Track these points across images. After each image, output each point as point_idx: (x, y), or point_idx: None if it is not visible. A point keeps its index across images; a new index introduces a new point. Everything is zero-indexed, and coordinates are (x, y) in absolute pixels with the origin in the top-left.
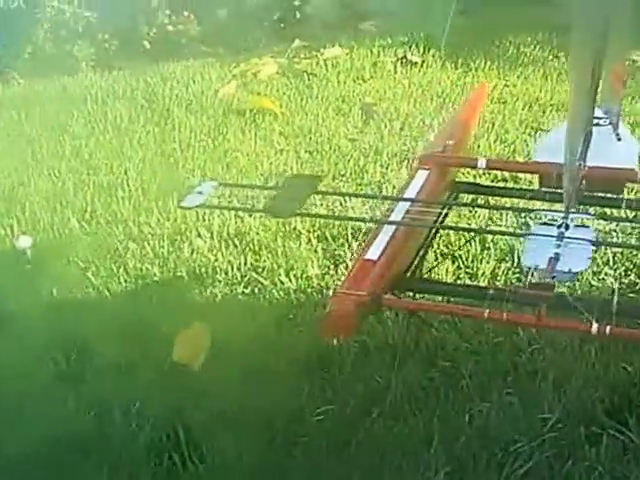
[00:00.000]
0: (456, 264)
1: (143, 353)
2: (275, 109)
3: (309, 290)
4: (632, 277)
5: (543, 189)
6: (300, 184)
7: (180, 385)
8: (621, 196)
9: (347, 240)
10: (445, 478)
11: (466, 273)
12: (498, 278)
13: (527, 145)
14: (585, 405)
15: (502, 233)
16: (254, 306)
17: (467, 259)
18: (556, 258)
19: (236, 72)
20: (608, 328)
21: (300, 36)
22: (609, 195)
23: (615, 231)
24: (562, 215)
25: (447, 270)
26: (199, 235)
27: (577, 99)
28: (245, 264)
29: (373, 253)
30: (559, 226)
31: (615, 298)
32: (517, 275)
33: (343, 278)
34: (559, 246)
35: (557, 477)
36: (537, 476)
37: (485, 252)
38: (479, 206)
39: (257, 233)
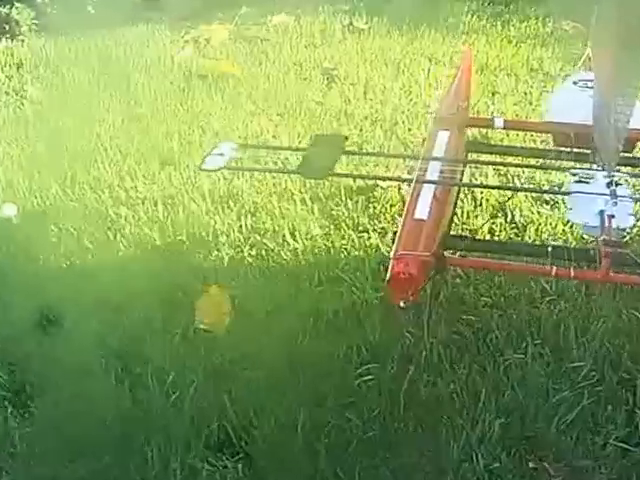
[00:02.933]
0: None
1: (164, 320)
2: (237, 73)
3: (316, 250)
4: None
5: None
6: (327, 144)
7: (212, 352)
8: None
9: (341, 199)
10: (500, 430)
11: (463, 230)
12: (496, 233)
13: (488, 107)
14: (609, 352)
15: (552, 192)
16: (265, 268)
17: (461, 215)
18: (609, 215)
19: (188, 38)
20: None
21: (245, 3)
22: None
23: None
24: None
25: None
26: (192, 199)
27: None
28: (246, 227)
29: (422, 212)
30: (609, 184)
31: None
32: (514, 230)
33: (395, 239)
34: (606, 204)
35: (602, 423)
36: (583, 423)
37: (478, 209)
38: (512, 165)
39: (250, 195)
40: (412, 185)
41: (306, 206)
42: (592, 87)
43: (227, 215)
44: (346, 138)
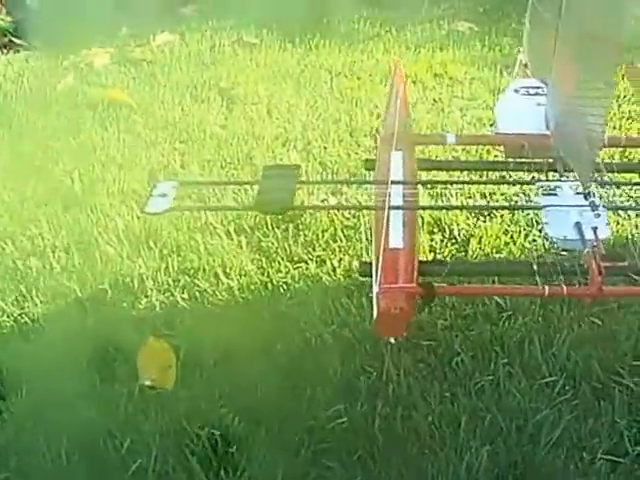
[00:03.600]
0: None
1: (104, 381)
2: (129, 101)
3: (253, 287)
4: None
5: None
6: (279, 175)
7: (164, 410)
8: None
9: (268, 228)
10: (487, 458)
11: None
12: (438, 251)
13: None
14: (578, 363)
15: (530, 207)
16: (202, 311)
17: None
18: (591, 227)
19: (67, 64)
20: None
21: (124, 23)
22: None
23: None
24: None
25: None
26: (107, 242)
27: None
28: (172, 268)
29: (396, 241)
30: (586, 195)
31: None
32: (455, 246)
33: (377, 272)
34: (580, 215)
35: (586, 438)
36: (568, 441)
37: None
38: (476, 182)
39: (169, 232)
40: (377, 213)
41: (232, 240)
42: (535, 94)
43: (149, 257)
44: (299, 167)
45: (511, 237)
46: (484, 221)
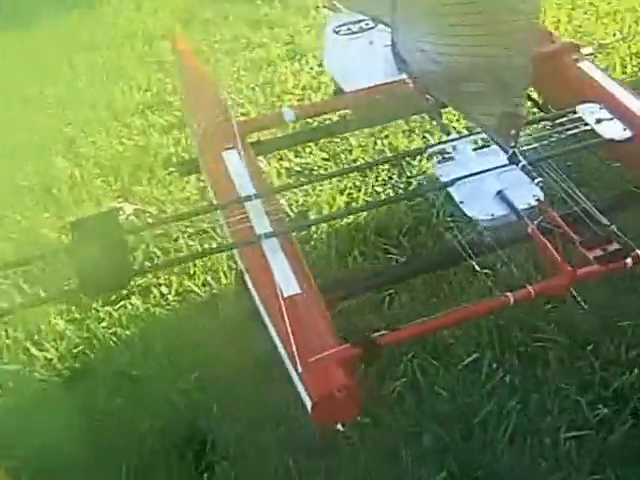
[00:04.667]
0: None
1: None
2: None
3: (75, 352)
4: None
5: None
6: (96, 232)
7: None
8: None
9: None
10: None
11: None
12: None
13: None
14: (490, 331)
15: (433, 189)
16: (27, 406)
17: None
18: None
19: None
20: None
21: None
22: None
23: None
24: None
25: None
26: None
27: None
28: None
29: (290, 285)
30: (511, 157)
31: None
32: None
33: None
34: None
35: (537, 418)
36: (521, 429)
37: None
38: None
39: None
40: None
41: (24, 292)
42: (360, 30)
43: None
44: (118, 210)
45: (349, 195)
46: (313, 188)
